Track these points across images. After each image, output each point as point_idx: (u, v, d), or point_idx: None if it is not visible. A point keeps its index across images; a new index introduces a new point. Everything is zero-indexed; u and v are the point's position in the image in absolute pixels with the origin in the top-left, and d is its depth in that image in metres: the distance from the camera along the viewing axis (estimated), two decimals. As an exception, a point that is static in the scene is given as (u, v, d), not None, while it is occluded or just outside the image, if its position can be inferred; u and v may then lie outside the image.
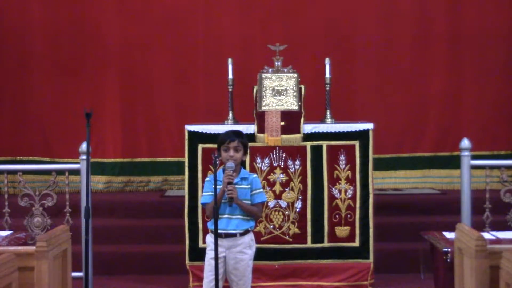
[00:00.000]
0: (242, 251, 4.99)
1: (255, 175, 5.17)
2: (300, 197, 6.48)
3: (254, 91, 6.64)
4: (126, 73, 8.87)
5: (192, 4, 8.88)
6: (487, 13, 8.72)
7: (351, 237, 6.45)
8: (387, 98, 8.79)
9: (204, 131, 6.50)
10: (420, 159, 8.80)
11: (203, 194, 5.10)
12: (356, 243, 6.45)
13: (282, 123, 6.47)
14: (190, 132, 6.51)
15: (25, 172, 6.60)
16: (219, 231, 4.70)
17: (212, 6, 8.88)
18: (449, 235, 5.32)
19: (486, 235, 4.82)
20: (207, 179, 5.18)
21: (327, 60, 6.71)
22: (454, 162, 8.11)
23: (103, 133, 8.84)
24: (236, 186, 4.92)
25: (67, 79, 8.82)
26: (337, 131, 6.51)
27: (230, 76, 6.76)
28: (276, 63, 6.70)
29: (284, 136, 6.46)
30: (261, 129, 6.47)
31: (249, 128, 6.44)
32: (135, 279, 6.98)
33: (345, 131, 6.50)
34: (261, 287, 6.40)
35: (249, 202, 4.99)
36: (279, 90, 6.59)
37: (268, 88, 6.60)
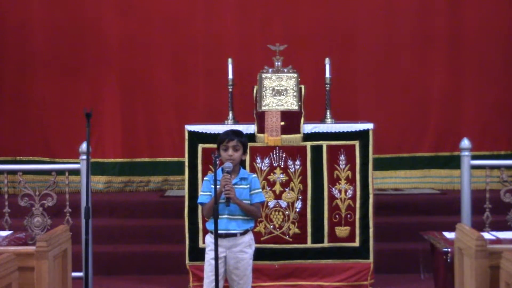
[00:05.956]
0: (243, 250, 4.99)
1: (254, 175, 5.16)
2: (300, 197, 6.48)
3: (254, 91, 6.64)
4: (126, 73, 8.86)
5: (192, 4, 8.88)
6: (487, 13, 8.72)
7: (351, 237, 6.45)
8: (387, 98, 8.78)
9: (204, 131, 6.50)
10: (420, 159, 8.79)
11: (201, 193, 5.10)
12: (356, 243, 6.45)
13: (282, 123, 6.46)
14: (190, 132, 6.51)
15: (25, 172, 6.60)
16: (219, 231, 4.70)
17: (212, 6, 8.88)
18: (449, 235, 5.32)
19: (486, 235, 4.83)
20: (205, 178, 5.17)
21: (327, 60, 6.71)
22: (454, 162, 8.12)
23: (103, 133, 8.84)
24: (235, 186, 4.92)
25: (67, 79, 8.83)
26: (337, 131, 6.50)
27: (230, 76, 6.75)
28: (276, 63, 6.70)
29: (284, 136, 6.45)
30: (261, 129, 6.47)
31: (249, 128, 6.44)
32: (135, 279, 6.98)
33: (345, 131, 6.50)
34: (261, 287, 6.40)
35: (248, 202, 4.99)
36: (279, 90, 6.59)
37: (268, 88, 6.60)
